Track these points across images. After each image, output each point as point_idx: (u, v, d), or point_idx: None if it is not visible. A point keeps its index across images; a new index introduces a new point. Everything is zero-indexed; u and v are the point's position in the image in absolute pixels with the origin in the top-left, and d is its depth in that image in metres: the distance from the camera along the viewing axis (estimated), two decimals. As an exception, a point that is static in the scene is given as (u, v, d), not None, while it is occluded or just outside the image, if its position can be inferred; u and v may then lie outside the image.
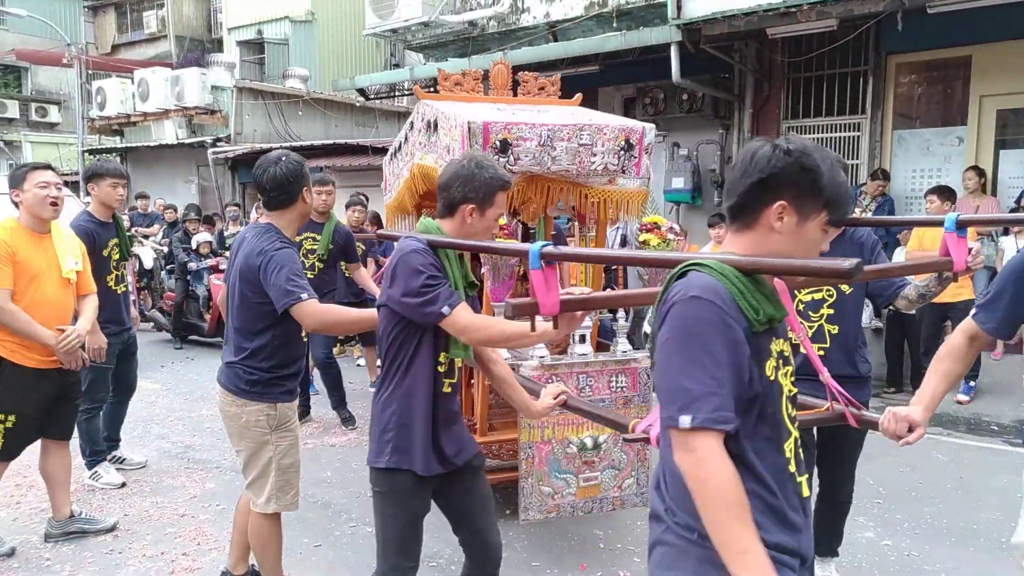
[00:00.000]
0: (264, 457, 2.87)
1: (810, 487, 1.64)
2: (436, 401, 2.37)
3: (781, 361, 1.56)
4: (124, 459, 4.88)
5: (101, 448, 4.68)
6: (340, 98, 14.91)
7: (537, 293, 1.96)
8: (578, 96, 4.27)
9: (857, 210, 7.41)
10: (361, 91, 11.71)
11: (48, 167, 3.63)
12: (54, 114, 24.12)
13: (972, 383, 6.50)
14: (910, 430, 2.13)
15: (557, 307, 1.96)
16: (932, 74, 8.12)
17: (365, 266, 6.25)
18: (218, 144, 14.17)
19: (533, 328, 2.12)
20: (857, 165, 8.22)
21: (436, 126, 3.63)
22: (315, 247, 5.45)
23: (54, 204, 3.50)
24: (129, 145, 16.40)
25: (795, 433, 1.58)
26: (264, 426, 2.86)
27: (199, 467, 4.90)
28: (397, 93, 12.95)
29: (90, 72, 17.63)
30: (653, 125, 3.81)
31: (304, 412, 5.88)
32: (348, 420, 5.84)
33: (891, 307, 3.24)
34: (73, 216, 4.50)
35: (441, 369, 2.37)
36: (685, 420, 1.39)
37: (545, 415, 2.69)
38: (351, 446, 5.39)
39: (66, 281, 3.61)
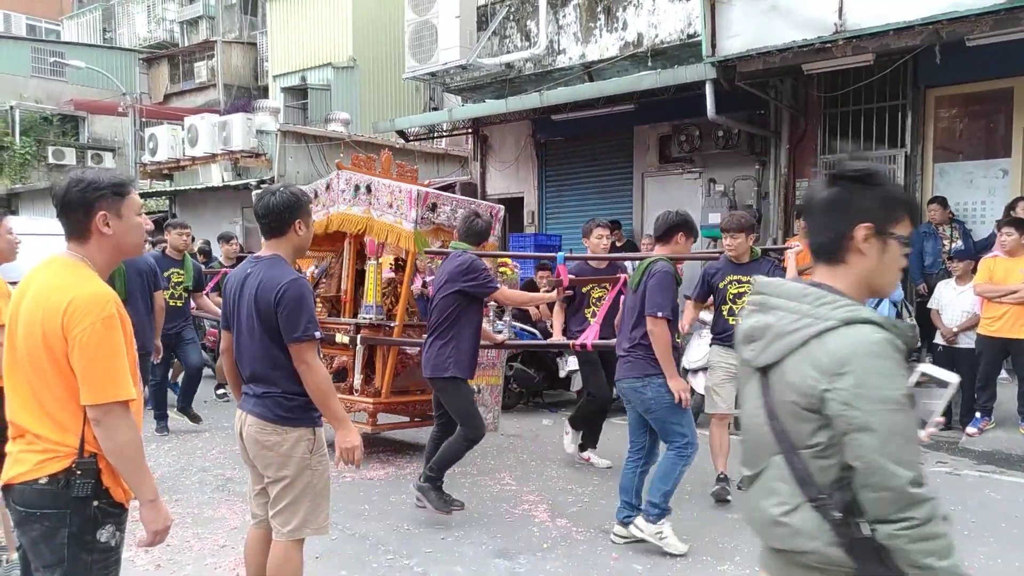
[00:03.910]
0: (303, 482, 2.90)
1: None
2: (478, 339, 4.62)
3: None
4: None
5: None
6: (380, 140, 15.23)
7: (561, 276, 5.03)
8: (428, 181, 6.47)
9: (945, 241, 7.32)
10: (401, 133, 11.97)
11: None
12: (108, 160, 25.08)
13: (978, 415, 6.36)
14: None
15: (567, 283, 5.18)
16: (973, 107, 8.02)
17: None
18: (262, 186, 14.55)
19: (559, 296, 5.30)
20: (898, 199, 8.10)
21: (370, 189, 5.59)
22: (181, 279, 6.67)
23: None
24: (177, 188, 16.96)
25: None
26: (306, 451, 2.89)
27: (239, 499, 4.94)
28: (436, 135, 13.22)
29: (144, 120, 18.40)
30: (503, 207, 6.14)
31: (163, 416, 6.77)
32: (196, 418, 6.86)
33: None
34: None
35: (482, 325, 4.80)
36: (659, 313, 3.91)
37: (501, 343, 5.64)
38: (389, 479, 5.41)
39: None
